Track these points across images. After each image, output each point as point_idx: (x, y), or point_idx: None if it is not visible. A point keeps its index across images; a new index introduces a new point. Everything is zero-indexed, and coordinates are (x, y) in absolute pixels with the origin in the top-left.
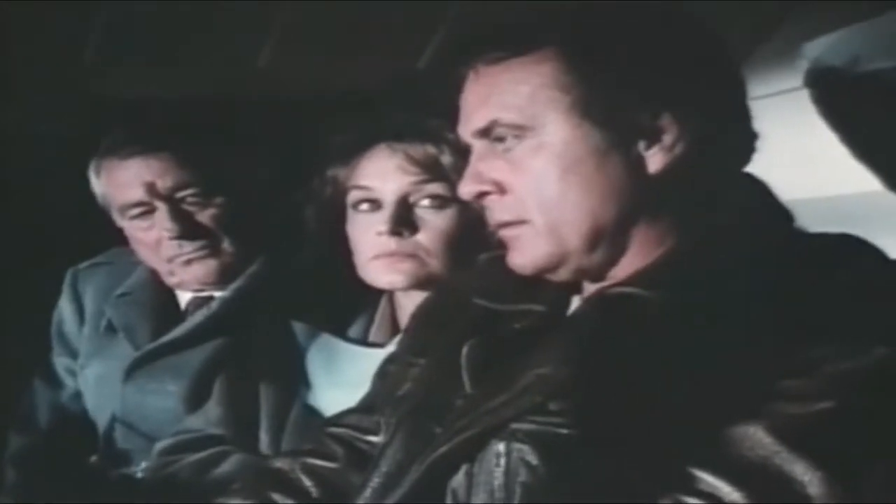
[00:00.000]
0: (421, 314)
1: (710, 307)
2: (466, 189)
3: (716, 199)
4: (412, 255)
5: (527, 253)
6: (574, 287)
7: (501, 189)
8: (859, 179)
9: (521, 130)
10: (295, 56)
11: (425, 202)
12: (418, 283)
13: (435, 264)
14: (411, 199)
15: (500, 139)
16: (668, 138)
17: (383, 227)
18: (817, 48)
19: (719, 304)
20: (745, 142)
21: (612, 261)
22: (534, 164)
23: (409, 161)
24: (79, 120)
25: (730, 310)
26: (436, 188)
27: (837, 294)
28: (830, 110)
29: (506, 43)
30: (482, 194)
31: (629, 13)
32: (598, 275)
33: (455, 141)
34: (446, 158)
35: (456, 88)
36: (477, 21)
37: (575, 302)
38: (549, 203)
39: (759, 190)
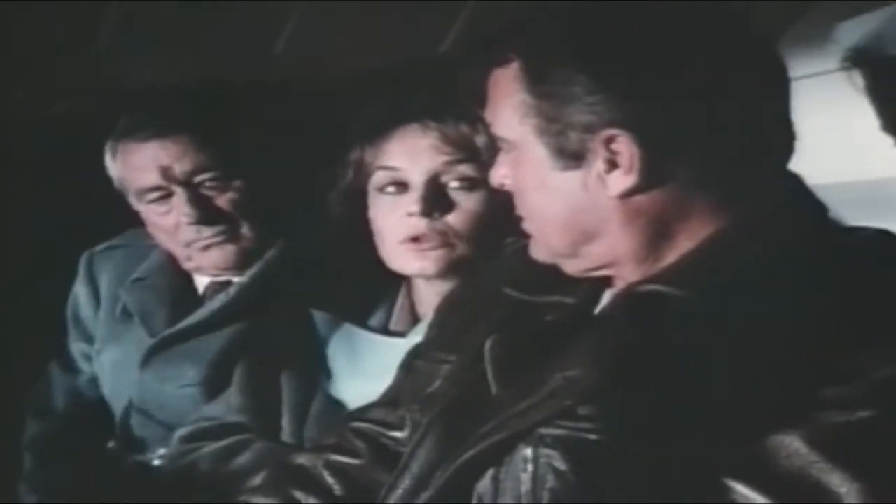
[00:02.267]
0: (447, 306)
1: (743, 307)
2: (492, 177)
3: (749, 195)
4: (442, 238)
5: (537, 245)
6: (607, 280)
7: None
8: (893, 163)
9: (509, 143)
10: (313, 40)
11: (455, 183)
12: (447, 270)
13: (464, 248)
14: (442, 180)
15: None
16: (625, 161)
17: (414, 208)
18: (851, 30)
19: (752, 305)
20: (775, 137)
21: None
22: (519, 174)
23: (444, 140)
24: (95, 104)
25: (763, 311)
26: (467, 169)
27: (877, 296)
28: (867, 92)
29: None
30: (502, 185)
31: (591, 25)
32: (630, 272)
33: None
34: (481, 139)
35: (482, 75)
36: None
37: (606, 296)
38: (530, 211)
39: (794, 184)
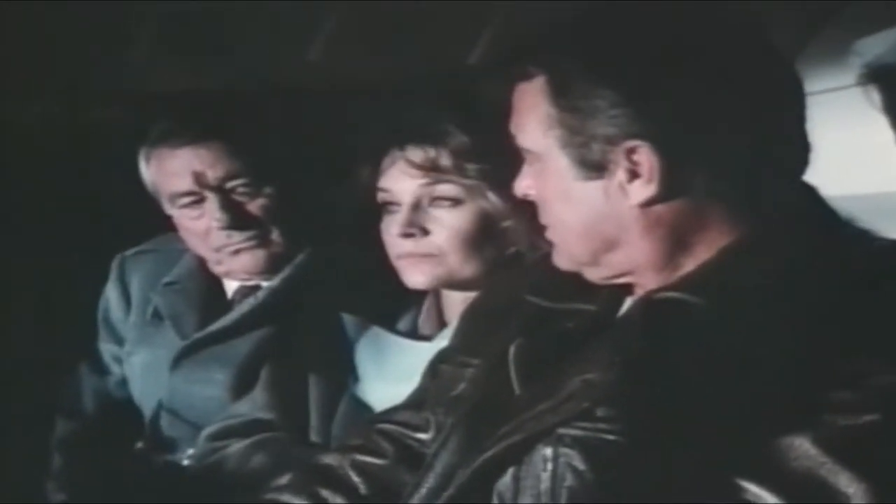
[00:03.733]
0: (471, 312)
1: (757, 314)
2: (516, 188)
3: (765, 206)
4: (428, 255)
5: (559, 254)
6: (628, 288)
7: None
8: None
9: (533, 155)
10: (346, 49)
11: (436, 203)
12: (441, 283)
13: (452, 263)
14: (424, 202)
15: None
16: (645, 171)
17: (395, 230)
18: (870, 46)
19: (766, 312)
20: (791, 149)
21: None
22: (542, 185)
23: (409, 164)
24: (130, 110)
25: (776, 317)
26: (444, 189)
27: (885, 304)
28: (884, 108)
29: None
30: (526, 195)
31: (613, 40)
32: (649, 281)
33: (459, 142)
34: (445, 161)
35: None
36: (526, 18)
37: (627, 303)
38: (553, 220)
39: (810, 195)
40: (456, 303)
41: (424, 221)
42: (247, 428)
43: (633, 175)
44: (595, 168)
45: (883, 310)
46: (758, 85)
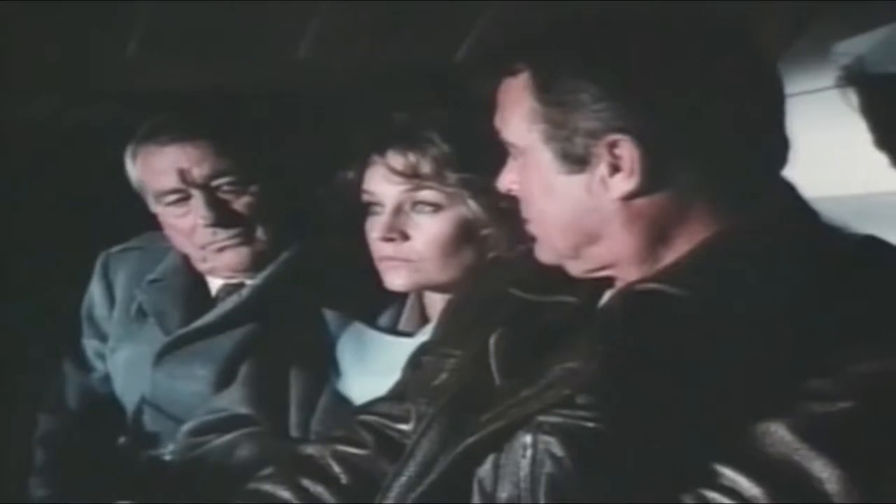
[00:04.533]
0: (454, 306)
1: (735, 305)
2: (500, 182)
3: (744, 201)
4: (406, 261)
5: (541, 247)
6: (609, 281)
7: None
8: (890, 178)
9: (517, 149)
10: (334, 48)
11: (418, 208)
12: (419, 286)
13: (429, 269)
14: (405, 206)
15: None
16: (626, 164)
17: (377, 234)
18: (849, 48)
19: (744, 303)
20: (771, 147)
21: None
22: (526, 179)
23: (390, 170)
24: (119, 111)
25: (754, 308)
26: (425, 195)
27: (861, 296)
28: (862, 110)
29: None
30: (510, 189)
31: (597, 37)
32: (629, 273)
33: (441, 150)
34: (426, 167)
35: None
36: (512, 17)
37: (607, 296)
38: (535, 214)
39: (789, 192)
40: (438, 301)
41: (405, 226)
42: (226, 423)
43: (615, 169)
44: (578, 162)
45: (857, 301)
46: (738, 83)
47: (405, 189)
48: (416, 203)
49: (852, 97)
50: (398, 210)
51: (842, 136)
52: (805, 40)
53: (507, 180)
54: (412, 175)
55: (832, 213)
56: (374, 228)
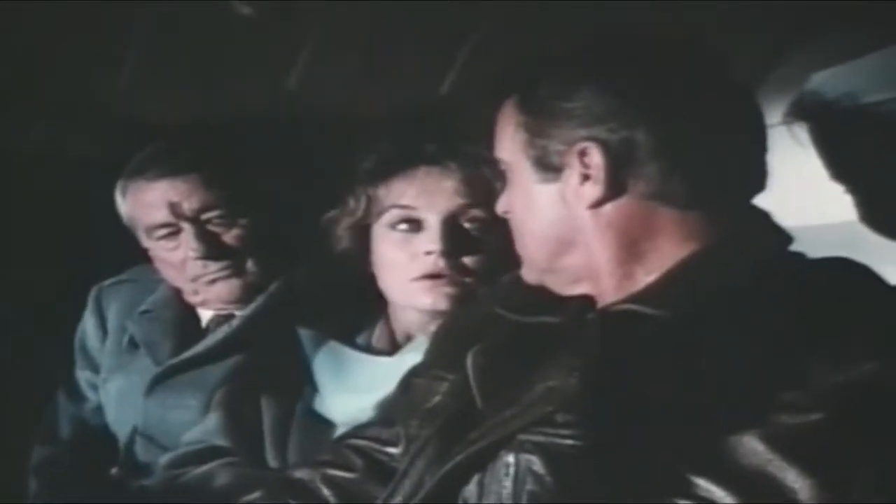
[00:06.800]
0: (445, 328)
1: (710, 323)
2: (497, 207)
3: (717, 221)
4: (460, 277)
5: (525, 266)
6: (591, 301)
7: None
8: (845, 209)
9: (507, 167)
10: (322, 80)
11: (472, 224)
12: (455, 304)
13: (475, 285)
14: (459, 221)
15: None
16: (594, 172)
17: (434, 247)
18: (822, 80)
19: (718, 321)
20: (744, 171)
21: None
22: (512, 196)
23: (466, 183)
24: (107, 142)
25: (728, 326)
26: (481, 212)
27: (830, 313)
28: (813, 144)
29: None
30: (505, 213)
31: (577, 52)
32: (605, 289)
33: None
34: (499, 185)
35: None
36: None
37: (589, 316)
38: (518, 230)
39: (761, 216)
40: (407, 322)
41: (461, 242)
42: (202, 455)
43: (585, 178)
44: (552, 170)
45: (825, 317)
46: (710, 104)
47: (463, 204)
48: (469, 219)
49: (799, 133)
50: (451, 224)
51: (796, 168)
52: (784, 71)
53: (503, 204)
54: (484, 190)
55: (811, 241)
56: (419, 244)
